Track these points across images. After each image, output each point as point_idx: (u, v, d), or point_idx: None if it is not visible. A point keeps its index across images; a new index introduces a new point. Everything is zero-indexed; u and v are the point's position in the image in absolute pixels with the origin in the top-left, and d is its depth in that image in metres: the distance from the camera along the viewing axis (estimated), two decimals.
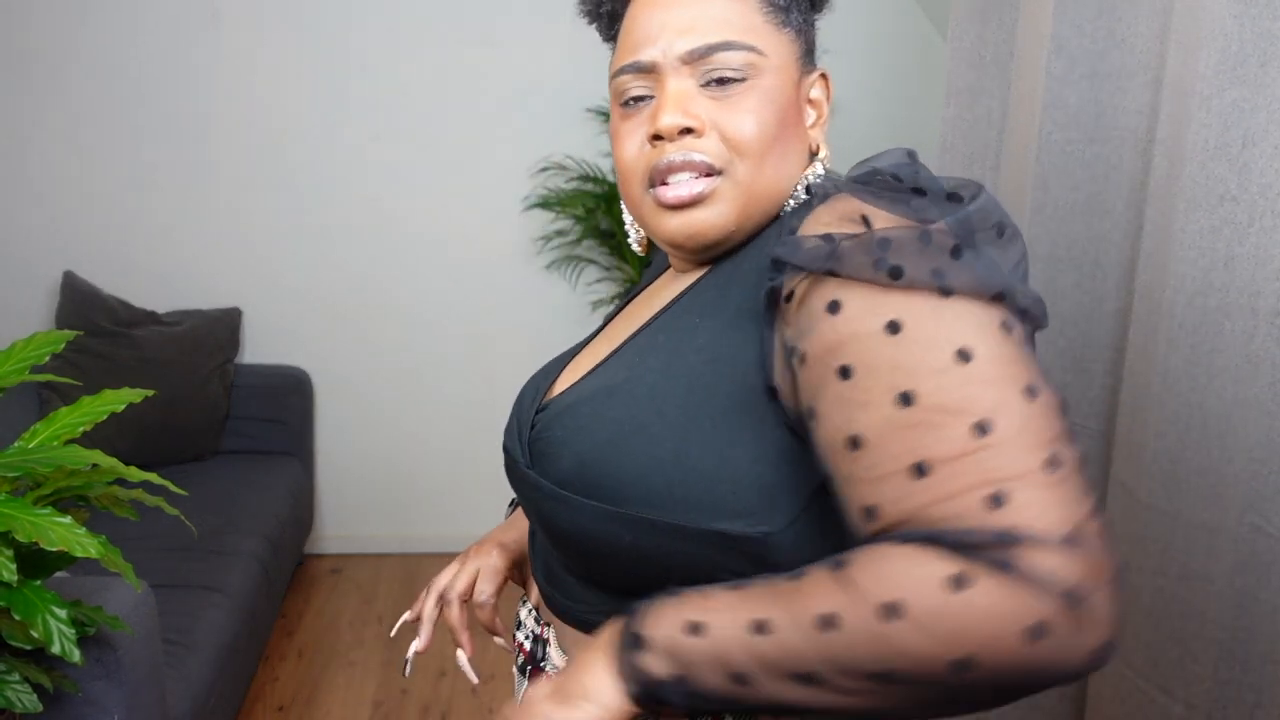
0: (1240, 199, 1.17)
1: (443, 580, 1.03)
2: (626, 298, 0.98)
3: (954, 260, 0.64)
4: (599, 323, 1.03)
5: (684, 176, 0.78)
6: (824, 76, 0.86)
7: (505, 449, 0.86)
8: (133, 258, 2.98)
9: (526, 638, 0.94)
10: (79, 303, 2.78)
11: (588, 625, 0.79)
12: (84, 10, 2.85)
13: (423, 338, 3.12)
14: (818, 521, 0.71)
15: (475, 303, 3.08)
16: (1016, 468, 0.59)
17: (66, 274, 2.82)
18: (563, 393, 0.85)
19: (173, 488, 1.25)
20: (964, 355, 0.62)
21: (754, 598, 0.65)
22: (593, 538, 0.75)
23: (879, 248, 0.64)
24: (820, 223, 0.70)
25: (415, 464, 3.17)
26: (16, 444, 1.23)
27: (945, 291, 0.63)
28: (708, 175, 0.77)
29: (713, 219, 0.78)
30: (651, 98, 0.80)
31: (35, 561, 1.18)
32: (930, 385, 0.62)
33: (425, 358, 3.13)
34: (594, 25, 0.90)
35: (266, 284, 3.06)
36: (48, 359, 1.29)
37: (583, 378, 0.84)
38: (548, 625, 0.89)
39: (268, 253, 3.04)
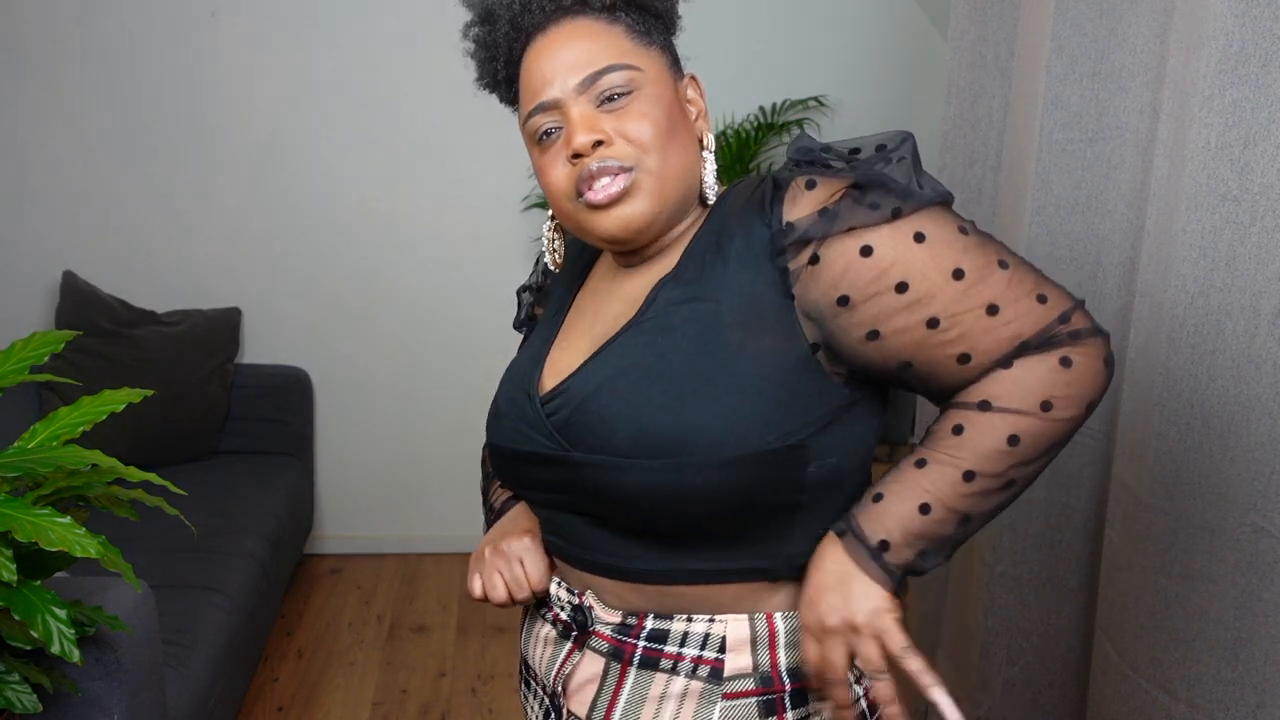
0: (1241, 199, 1.17)
1: (489, 588, 1.06)
2: (560, 301, 1.08)
3: (918, 187, 0.86)
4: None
5: (605, 180, 0.91)
6: (694, 79, 1.00)
7: (510, 449, 0.98)
8: (133, 258, 2.98)
9: (562, 609, 1.02)
10: (79, 303, 2.78)
11: (632, 574, 0.94)
12: (83, 10, 2.85)
13: (422, 338, 3.12)
14: (837, 428, 0.90)
15: (475, 303, 3.08)
16: (1031, 277, 0.87)
17: (66, 274, 2.82)
18: (572, 379, 0.95)
19: (172, 488, 1.25)
20: (963, 230, 0.87)
21: (942, 466, 0.87)
22: (661, 490, 0.87)
23: (865, 198, 0.85)
24: (794, 202, 0.87)
25: (415, 464, 3.17)
26: (16, 444, 1.22)
27: (929, 203, 0.86)
28: (623, 173, 0.91)
29: (639, 208, 0.92)
30: (560, 129, 0.93)
31: (35, 561, 1.18)
32: (965, 259, 0.85)
33: (425, 358, 3.13)
34: (494, 94, 1.04)
35: (266, 284, 3.06)
36: (47, 359, 1.29)
37: (585, 364, 0.95)
38: (585, 590, 1.00)
39: (268, 253, 3.04)
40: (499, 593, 1.03)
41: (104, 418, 1.27)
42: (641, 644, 0.95)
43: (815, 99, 3.04)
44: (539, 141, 0.95)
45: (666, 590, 0.94)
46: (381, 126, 3.00)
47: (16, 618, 1.12)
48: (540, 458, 0.95)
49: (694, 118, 0.98)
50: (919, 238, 0.84)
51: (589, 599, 0.99)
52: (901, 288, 0.84)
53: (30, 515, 1.09)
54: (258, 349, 3.08)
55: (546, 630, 1.05)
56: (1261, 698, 1.20)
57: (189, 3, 2.87)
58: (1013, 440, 0.86)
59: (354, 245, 3.06)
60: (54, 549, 1.07)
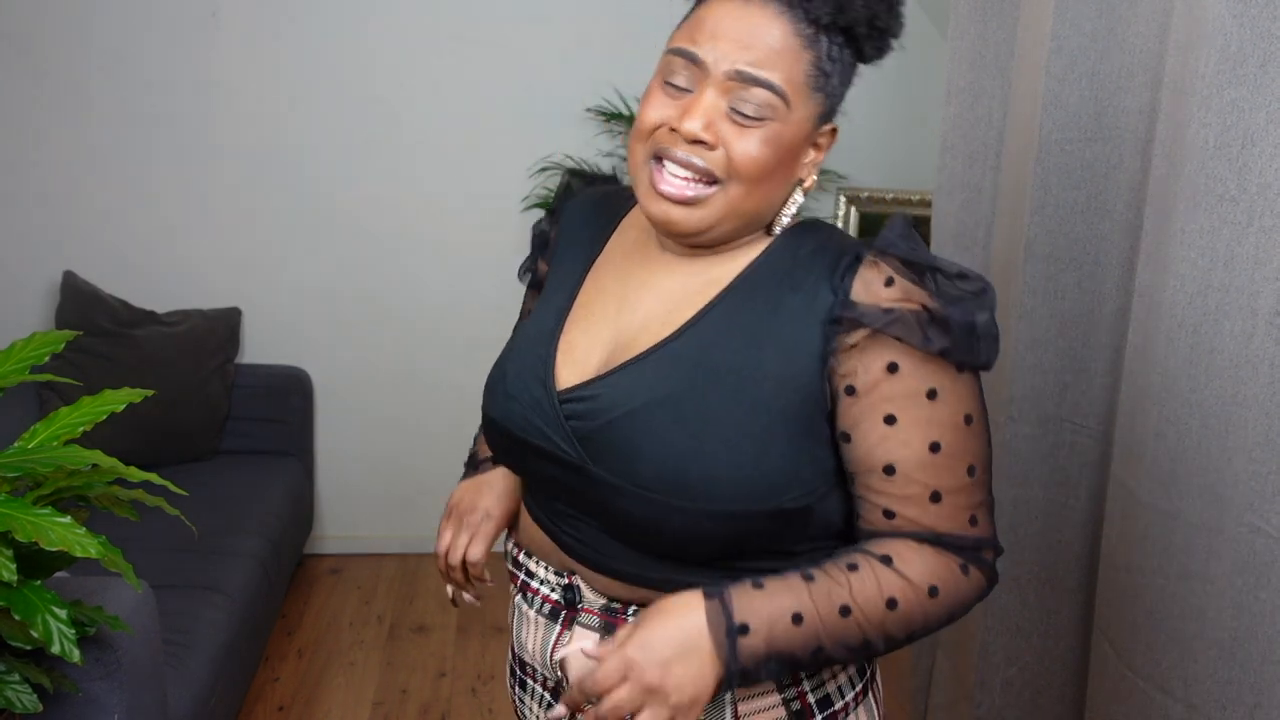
0: (1239, 199, 1.17)
1: (448, 546, 1.13)
2: (575, 265, 1.05)
3: (973, 344, 0.87)
4: None
5: (682, 175, 0.90)
6: (834, 131, 0.96)
7: (518, 437, 0.97)
8: (133, 258, 2.98)
9: (548, 587, 1.03)
10: (79, 303, 2.78)
11: (625, 576, 0.96)
12: (84, 10, 2.85)
13: (423, 337, 3.12)
14: (837, 493, 0.93)
15: (475, 302, 3.08)
16: (981, 497, 0.92)
17: (66, 274, 2.82)
18: (600, 389, 0.93)
19: (173, 488, 1.25)
20: (969, 419, 0.90)
21: (828, 587, 0.87)
22: (671, 527, 0.90)
23: (929, 325, 0.86)
24: (866, 286, 0.88)
25: (415, 464, 3.17)
26: (16, 444, 1.23)
27: (964, 368, 0.89)
28: (705, 182, 0.90)
29: (694, 219, 0.91)
30: (687, 90, 0.90)
31: (35, 561, 1.18)
32: (949, 438, 0.89)
33: (425, 357, 3.13)
34: None
35: (266, 284, 3.06)
36: (47, 359, 1.29)
37: (614, 374, 0.93)
38: (571, 573, 1.01)
39: (268, 253, 3.04)
40: (454, 556, 1.11)
41: (104, 418, 1.27)
42: (630, 619, 0.96)
43: None
44: (665, 78, 0.92)
45: (653, 594, 0.93)
46: (382, 127, 3.00)
47: (17, 618, 1.12)
48: (553, 458, 0.95)
49: (807, 159, 0.95)
50: (930, 394, 0.88)
51: (577, 580, 1.00)
52: (889, 420, 0.88)
53: (30, 515, 1.10)
54: (258, 349, 3.08)
55: (534, 615, 1.04)
56: (1259, 697, 1.20)
57: (190, 2, 2.88)
58: (891, 603, 0.88)
59: (354, 245, 3.06)
60: (54, 549, 1.07)
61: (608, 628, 0.98)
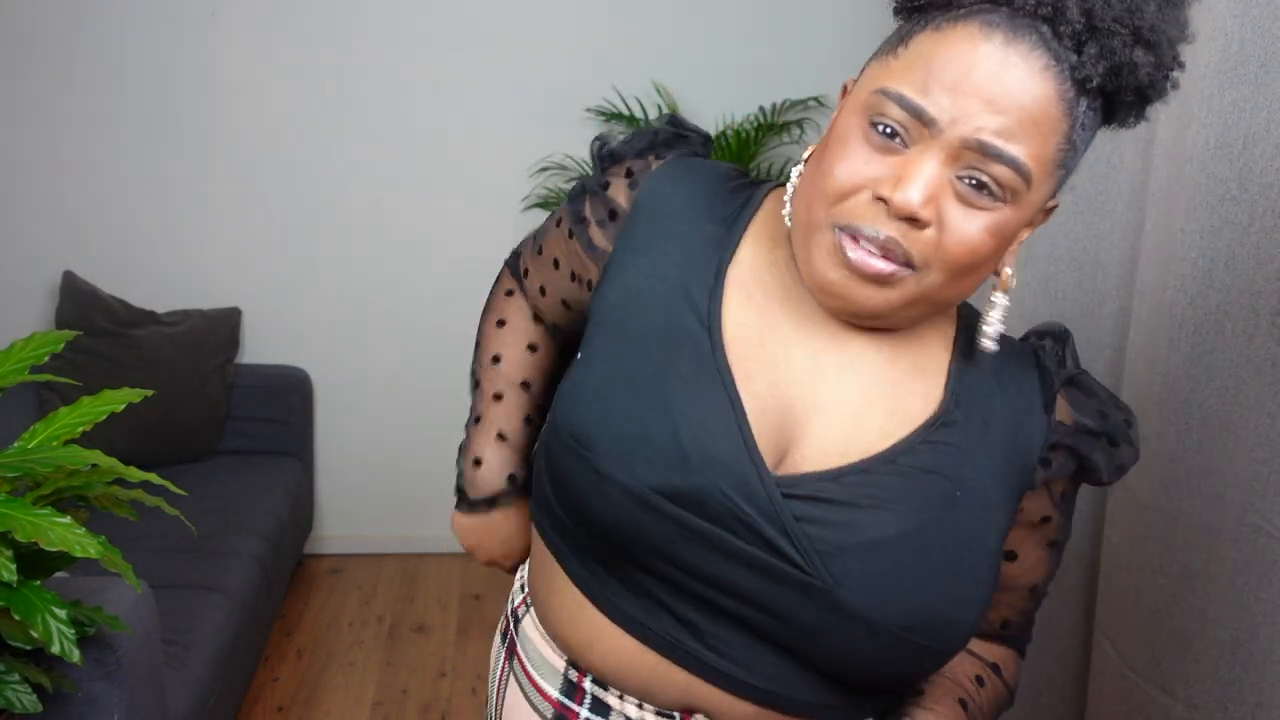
0: (1241, 199, 1.17)
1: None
2: (700, 269, 0.81)
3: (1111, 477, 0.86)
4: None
5: (877, 253, 0.71)
6: (1051, 211, 0.79)
7: (699, 526, 0.75)
8: (133, 258, 2.98)
9: None
10: (79, 303, 2.78)
11: (769, 699, 0.79)
12: (83, 10, 2.84)
13: (423, 337, 3.12)
14: None
15: (475, 303, 3.04)
16: None
17: (66, 274, 2.82)
18: (840, 483, 0.76)
19: (172, 488, 1.25)
20: None
21: (974, 711, 0.87)
22: (897, 662, 0.77)
23: (1118, 468, 0.85)
24: (1068, 412, 0.84)
25: (415, 464, 3.16)
26: (16, 444, 1.22)
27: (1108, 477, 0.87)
28: (901, 267, 0.72)
29: (878, 302, 0.73)
30: (903, 145, 0.70)
31: (35, 561, 1.17)
32: (1063, 550, 0.89)
33: (425, 357, 3.13)
34: None
35: (266, 284, 3.06)
36: (47, 359, 1.29)
37: (858, 471, 0.76)
38: (688, 712, 0.82)
39: (268, 253, 3.04)
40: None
41: (104, 418, 1.27)
42: None
43: (815, 99, 3.04)
44: (872, 123, 0.71)
45: (788, 718, 0.81)
46: (382, 126, 3.00)
47: (16, 618, 1.11)
48: (766, 568, 0.74)
49: (1009, 247, 0.77)
50: (1073, 511, 0.88)
51: None
52: (1051, 545, 0.88)
53: (30, 515, 1.09)
54: (258, 349, 3.08)
55: None
56: (1260, 697, 1.20)
57: (189, 2, 2.87)
58: (996, 713, 0.91)
59: (354, 245, 3.06)
60: (54, 549, 1.07)
61: None
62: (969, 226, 0.70)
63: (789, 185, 0.81)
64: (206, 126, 2.95)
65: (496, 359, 1.03)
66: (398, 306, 3.10)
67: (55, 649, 1.12)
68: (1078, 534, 1.64)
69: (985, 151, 0.68)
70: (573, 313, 0.94)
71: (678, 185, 0.84)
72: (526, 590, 0.95)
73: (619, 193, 0.86)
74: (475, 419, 1.04)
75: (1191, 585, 1.26)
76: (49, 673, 1.27)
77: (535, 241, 1.00)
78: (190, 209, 3.00)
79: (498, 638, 1.00)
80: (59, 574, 1.27)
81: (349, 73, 2.96)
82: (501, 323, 1.05)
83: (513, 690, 0.93)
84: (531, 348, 1.03)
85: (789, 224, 0.79)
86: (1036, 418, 0.81)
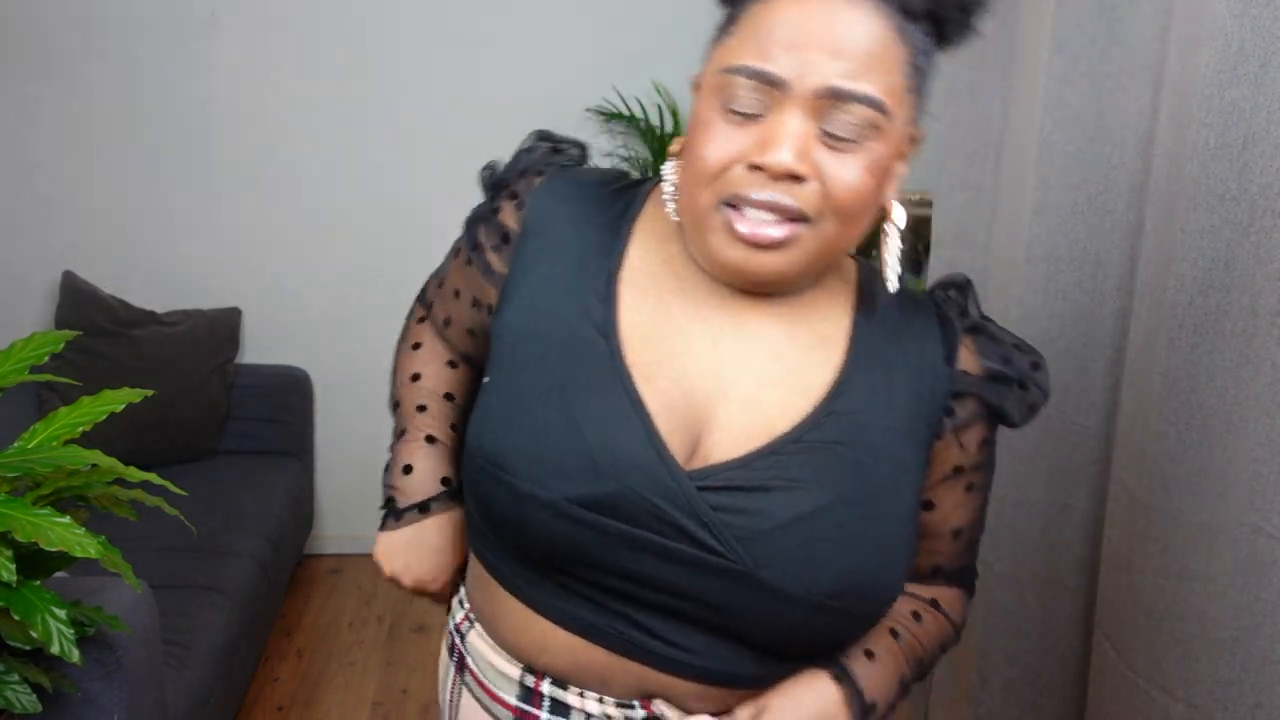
0: (1240, 199, 1.17)
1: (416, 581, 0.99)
2: (589, 278, 0.83)
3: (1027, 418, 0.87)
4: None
5: (767, 217, 0.73)
6: (917, 139, 0.82)
7: (620, 529, 0.76)
8: (133, 258, 2.98)
9: None
10: (79, 303, 2.78)
11: (724, 679, 0.83)
12: (83, 10, 2.84)
13: None
14: None
15: None
16: None
17: (66, 274, 2.82)
18: (751, 469, 0.77)
19: (172, 488, 1.25)
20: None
21: (910, 644, 0.90)
22: (842, 632, 0.83)
23: (1029, 409, 0.86)
24: (971, 359, 0.85)
25: None
26: (16, 444, 1.23)
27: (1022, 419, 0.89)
28: (792, 221, 0.74)
29: (782, 266, 0.76)
30: (759, 115, 0.73)
31: (35, 561, 1.18)
32: (988, 490, 0.92)
33: None
34: None
35: (266, 284, 3.06)
36: (47, 359, 1.29)
37: (767, 454, 0.78)
38: (646, 698, 0.84)
39: (268, 253, 3.04)
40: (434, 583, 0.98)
41: (104, 418, 1.27)
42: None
43: None
44: (725, 104, 0.73)
45: (745, 694, 0.84)
46: (383, 127, 3.00)
47: (16, 618, 1.12)
48: (692, 560, 0.76)
49: (893, 181, 0.80)
50: (993, 452, 0.90)
51: (660, 707, 0.83)
52: (969, 488, 0.89)
53: (30, 515, 1.10)
54: (258, 349, 3.08)
55: None
56: (1260, 697, 1.20)
57: (189, 3, 2.88)
58: (942, 647, 0.94)
59: (354, 245, 3.06)
60: (54, 549, 1.07)
61: None
62: (847, 171, 0.73)
63: (665, 184, 0.83)
64: (207, 127, 2.95)
65: (416, 377, 1.03)
66: (398, 307, 3.09)
67: (55, 649, 1.12)
68: (1077, 534, 1.65)
69: (838, 96, 0.71)
70: (479, 339, 0.95)
71: (560, 199, 0.86)
72: (468, 607, 0.95)
73: (508, 216, 0.88)
74: (400, 433, 1.01)
75: (1191, 585, 1.26)
76: (49, 673, 1.27)
77: (437, 276, 1.04)
78: (190, 209, 3.00)
79: (444, 654, 0.99)
80: (59, 574, 1.27)
81: (349, 73, 2.96)
82: (417, 345, 1.06)
83: (467, 702, 0.92)
84: (451, 364, 1.03)
85: (676, 219, 0.82)
86: (939, 369, 0.82)
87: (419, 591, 0.98)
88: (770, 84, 0.72)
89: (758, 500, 0.76)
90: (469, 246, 0.93)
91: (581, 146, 0.95)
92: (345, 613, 2.89)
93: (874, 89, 0.72)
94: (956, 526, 0.90)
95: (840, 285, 0.85)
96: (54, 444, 1.22)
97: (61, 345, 1.30)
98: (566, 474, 0.75)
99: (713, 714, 0.83)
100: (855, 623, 0.82)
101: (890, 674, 0.86)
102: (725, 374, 0.79)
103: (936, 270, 2.00)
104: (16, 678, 1.21)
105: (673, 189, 0.82)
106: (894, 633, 0.89)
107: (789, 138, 0.71)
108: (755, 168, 0.72)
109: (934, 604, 0.93)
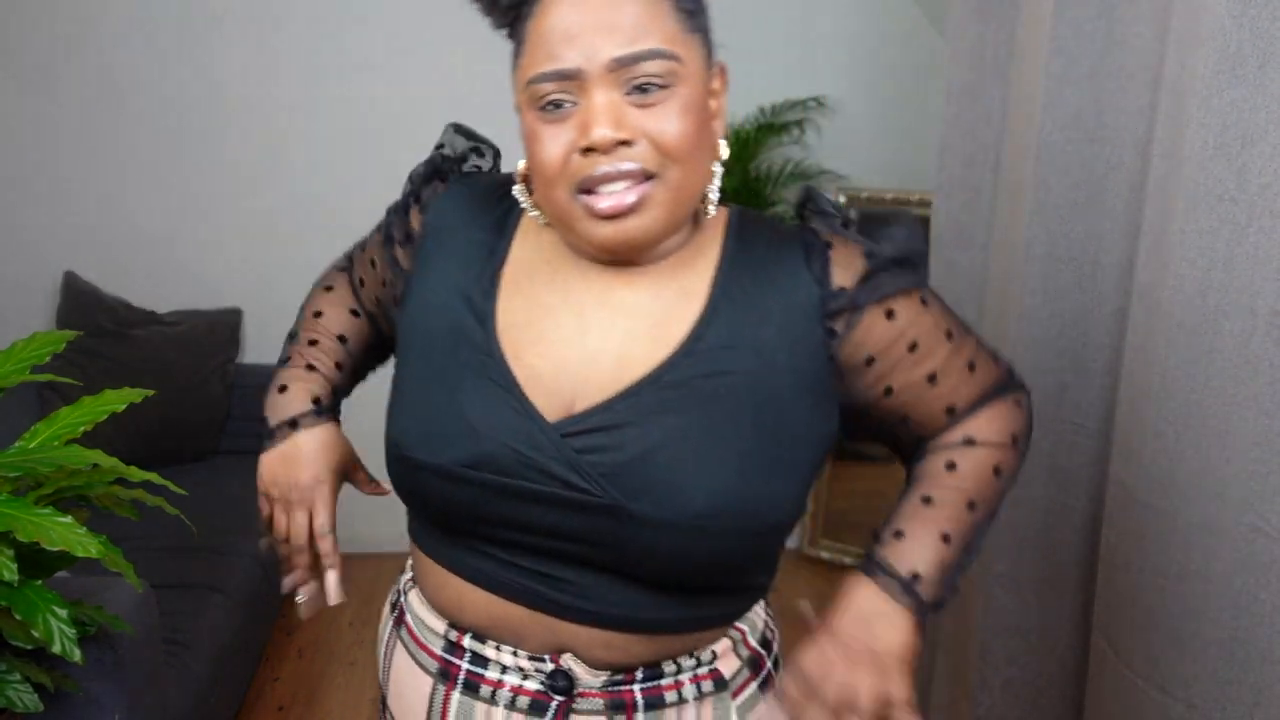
0: (1239, 199, 1.17)
1: (286, 530, 1.05)
2: (477, 272, 0.91)
3: (926, 263, 0.92)
4: None
5: (617, 186, 0.80)
6: (722, 71, 0.90)
7: (500, 481, 0.84)
8: (133, 258, 2.98)
9: (519, 676, 0.90)
10: (79, 303, 2.78)
11: (637, 624, 0.88)
12: (84, 11, 2.85)
13: None
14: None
15: None
16: (979, 338, 0.98)
17: (67, 274, 2.82)
18: (619, 417, 0.83)
19: (173, 488, 1.25)
20: (943, 302, 0.94)
21: (948, 497, 0.94)
22: (728, 555, 0.85)
23: (895, 276, 0.89)
24: (843, 268, 0.88)
25: None
26: (17, 444, 1.23)
27: (924, 277, 0.92)
28: (641, 181, 0.80)
29: (647, 224, 0.82)
30: (574, 103, 0.80)
31: (36, 561, 1.18)
32: (952, 323, 0.94)
33: None
34: (486, 15, 0.90)
35: (266, 284, 3.06)
36: (48, 359, 1.29)
37: (626, 401, 0.84)
38: (557, 653, 0.89)
39: (268, 253, 3.05)
40: (298, 535, 1.02)
41: (105, 418, 1.27)
42: (639, 687, 0.90)
43: (815, 99, 3.04)
44: (541, 108, 0.81)
45: (673, 638, 0.89)
46: (383, 127, 3.00)
47: (18, 617, 1.12)
48: (562, 502, 0.83)
49: (715, 118, 0.88)
50: (924, 302, 0.91)
51: (568, 661, 0.89)
52: (913, 347, 0.90)
53: (31, 515, 1.10)
54: (258, 349, 3.08)
55: (501, 713, 0.91)
56: (1258, 697, 1.20)
57: (190, 3, 2.88)
58: (996, 471, 0.96)
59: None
60: (55, 549, 1.07)
61: (616, 705, 0.89)
62: (665, 120, 0.80)
63: (527, 208, 0.92)
64: (207, 127, 2.96)
65: (319, 314, 1.12)
66: None
67: (56, 648, 1.12)
68: (1077, 534, 1.65)
69: (625, 63, 0.78)
70: (381, 309, 1.07)
71: (454, 204, 0.96)
72: (412, 571, 1.05)
73: (414, 217, 0.98)
74: (285, 359, 1.11)
75: (1189, 585, 1.26)
76: (50, 672, 1.27)
77: (362, 242, 1.12)
78: (191, 209, 3.00)
79: (386, 609, 1.08)
80: (60, 574, 1.28)
81: (349, 73, 2.96)
82: (330, 288, 1.14)
83: (400, 654, 1.00)
84: (354, 313, 1.12)
85: (544, 222, 0.91)
86: (810, 290, 0.87)
87: (287, 503, 1.03)
88: (567, 78, 0.79)
89: (616, 437, 0.82)
90: (385, 234, 1.02)
91: (495, 149, 1.05)
92: (345, 613, 2.89)
93: (653, 42, 0.79)
94: (928, 374, 0.92)
95: (710, 239, 0.90)
96: (55, 444, 1.22)
97: (63, 345, 1.31)
98: (450, 442, 0.85)
99: (615, 671, 0.88)
100: (744, 541, 0.85)
101: (928, 538, 0.91)
102: (591, 342, 0.87)
103: (936, 270, 2.00)
104: (18, 677, 1.21)
105: (535, 210, 0.91)
106: (926, 499, 0.94)
107: (600, 113, 0.78)
108: (588, 150, 0.79)
109: (969, 442, 0.96)
